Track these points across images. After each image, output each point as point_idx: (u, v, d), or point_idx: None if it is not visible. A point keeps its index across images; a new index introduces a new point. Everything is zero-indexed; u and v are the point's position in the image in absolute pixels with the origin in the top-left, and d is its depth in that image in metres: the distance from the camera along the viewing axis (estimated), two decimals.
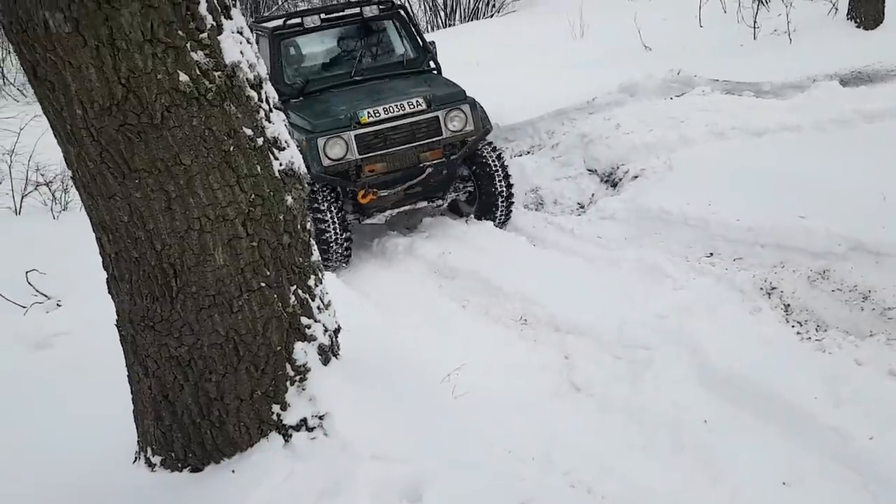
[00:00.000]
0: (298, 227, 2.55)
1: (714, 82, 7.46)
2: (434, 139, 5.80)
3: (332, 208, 5.60)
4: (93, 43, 2.01)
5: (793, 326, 4.07)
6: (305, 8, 9.03)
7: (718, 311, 4.18)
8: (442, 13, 13.51)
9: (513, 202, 6.26)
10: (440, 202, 6.24)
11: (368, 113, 5.57)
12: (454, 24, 13.23)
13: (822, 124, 5.90)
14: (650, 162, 6.15)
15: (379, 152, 5.67)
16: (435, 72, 6.63)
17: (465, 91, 6.01)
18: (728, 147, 5.95)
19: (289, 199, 2.49)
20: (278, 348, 2.57)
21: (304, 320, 2.64)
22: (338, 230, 5.60)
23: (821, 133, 5.79)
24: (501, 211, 6.22)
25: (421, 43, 6.62)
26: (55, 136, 2.28)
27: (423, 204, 6.16)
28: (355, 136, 5.55)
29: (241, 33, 2.29)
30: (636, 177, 6.16)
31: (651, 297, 4.46)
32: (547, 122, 7.66)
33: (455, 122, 5.83)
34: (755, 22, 8.87)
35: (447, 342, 4.27)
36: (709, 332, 3.93)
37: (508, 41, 10.86)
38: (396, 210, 6.05)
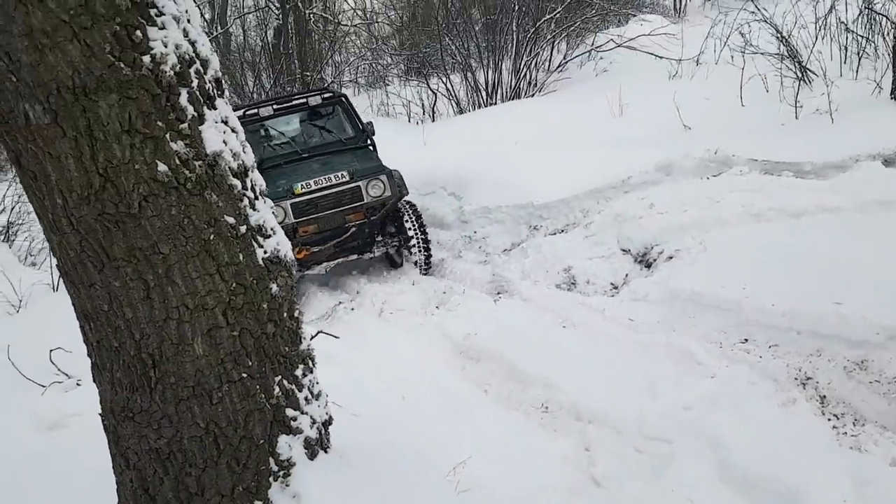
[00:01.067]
0: (284, 315, 2.49)
1: (753, 162, 7.30)
2: (357, 204, 6.98)
3: None
4: (71, 134, 2.02)
5: (829, 420, 3.82)
6: (271, 98, 10.76)
7: (748, 402, 3.95)
8: (483, 92, 13.67)
9: (430, 253, 7.34)
10: (369, 255, 7.48)
11: (302, 185, 6.80)
12: (495, 104, 13.36)
13: (863, 206, 5.69)
14: (684, 242, 5.99)
15: (311, 216, 6.84)
16: (371, 148, 7.82)
17: (382, 164, 7.22)
18: (764, 228, 5.76)
19: (273, 288, 2.44)
20: (261, 442, 2.48)
21: (290, 412, 2.55)
22: None
23: (861, 215, 5.57)
24: (420, 259, 7.32)
25: (360, 125, 7.93)
26: (40, 224, 2.29)
27: (354, 257, 7.39)
28: (291, 204, 6.74)
29: (225, 122, 2.29)
30: (671, 257, 6.00)
31: (678, 386, 4.25)
32: (581, 200, 7.59)
33: (374, 190, 6.99)
34: (797, 101, 8.73)
35: (462, 430, 4.11)
36: (736, 427, 3.70)
37: (548, 120, 10.90)
38: (333, 263, 7.28)
